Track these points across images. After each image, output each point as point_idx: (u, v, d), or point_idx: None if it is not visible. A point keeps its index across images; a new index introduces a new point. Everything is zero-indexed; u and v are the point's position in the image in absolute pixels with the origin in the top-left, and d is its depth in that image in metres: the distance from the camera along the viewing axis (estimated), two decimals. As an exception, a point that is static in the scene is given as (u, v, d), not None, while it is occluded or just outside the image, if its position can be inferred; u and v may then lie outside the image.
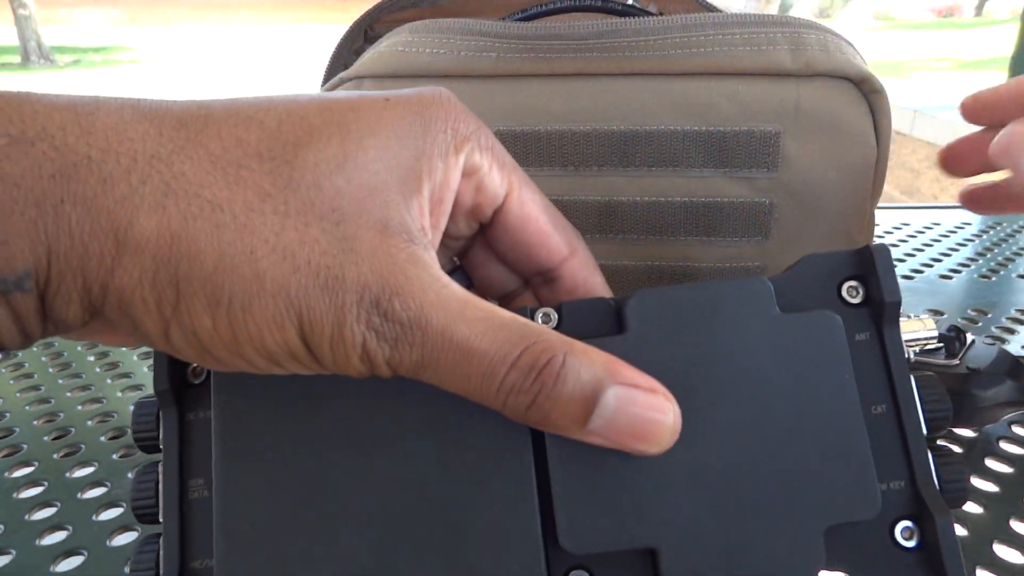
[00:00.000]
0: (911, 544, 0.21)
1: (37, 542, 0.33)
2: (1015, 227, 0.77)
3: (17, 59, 8.61)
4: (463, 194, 0.23)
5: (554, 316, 0.22)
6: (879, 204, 0.37)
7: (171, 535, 0.21)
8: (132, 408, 0.23)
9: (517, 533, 0.21)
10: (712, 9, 0.40)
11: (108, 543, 0.33)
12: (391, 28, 0.37)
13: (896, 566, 0.21)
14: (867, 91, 0.33)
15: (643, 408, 0.19)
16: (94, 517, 0.34)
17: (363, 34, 0.43)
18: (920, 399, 0.22)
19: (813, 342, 0.22)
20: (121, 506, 0.35)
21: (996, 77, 4.48)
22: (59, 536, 0.33)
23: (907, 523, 0.22)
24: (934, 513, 0.21)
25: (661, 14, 0.37)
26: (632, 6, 0.38)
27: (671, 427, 0.20)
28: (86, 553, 0.32)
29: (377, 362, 0.19)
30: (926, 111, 3.42)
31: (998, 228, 0.77)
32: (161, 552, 0.21)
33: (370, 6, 0.43)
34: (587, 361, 0.19)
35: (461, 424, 0.22)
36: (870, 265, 0.23)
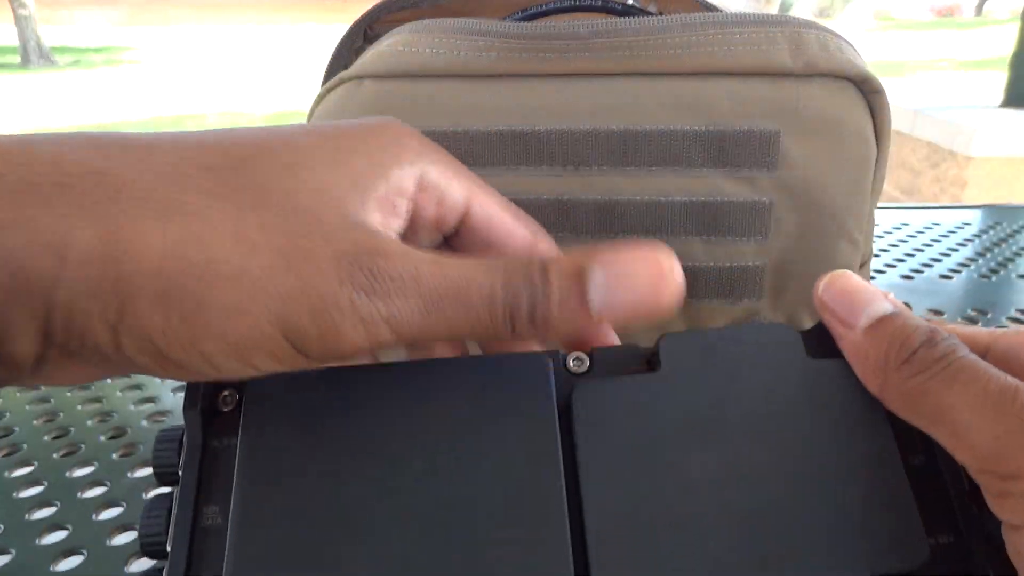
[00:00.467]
0: None
1: (37, 541, 0.33)
2: (1015, 227, 0.77)
3: (17, 59, 8.61)
4: (424, 208, 0.23)
5: (586, 360, 0.23)
6: (879, 204, 0.37)
7: (177, 563, 0.20)
8: (155, 437, 0.22)
9: (548, 563, 0.20)
10: (712, 9, 0.40)
11: (108, 542, 0.33)
12: (391, 28, 0.37)
13: None
14: (867, 91, 0.33)
15: (630, 262, 0.20)
16: (94, 516, 0.34)
17: (363, 34, 0.43)
18: None
19: (845, 388, 0.22)
20: (121, 505, 0.35)
21: (996, 77, 4.48)
22: (59, 535, 0.33)
23: None
24: (990, 570, 0.20)
25: (661, 14, 0.37)
26: (632, 6, 0.38)
27: (668, 269, 0.20)
28: (86, 552, 0.32)
29: (374, 323, 0.18)
30: (926, 111, 3.42)
31: (998, 228, 0.77)
32: None
33: (370, 6, 0.43)
34: (567, 258, 0.20)
35: (487, 445, 0.21)
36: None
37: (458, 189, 0.24)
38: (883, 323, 0.21)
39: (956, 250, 0.71)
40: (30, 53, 8.59)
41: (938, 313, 0.56)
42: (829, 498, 0.20)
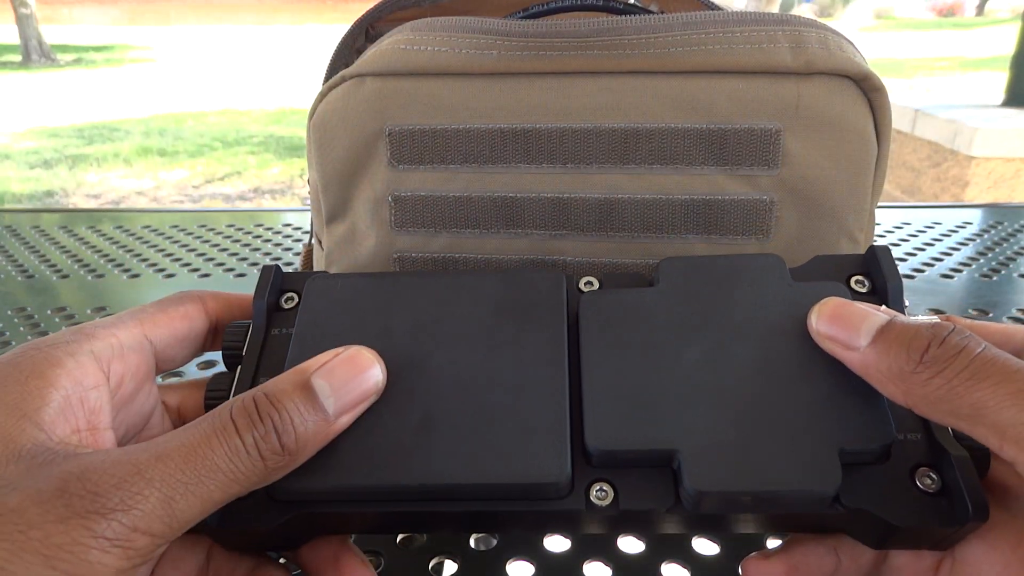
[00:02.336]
0: (932, 490, 0.22)
1: None
2: (1016, 227, 0.77)
3: (18, 58, 8.61)
4: (126, 371, 0.25)
5: (596, 282, 0.27)
6: (880, 203, 0.37)
7: None
8: (226, 328, 0.27)
9: (548, 430, 0.23)
10: (713, 7, 0.40)
11: None
12: (393, 27, 0.37)
13: (919, 510, 0.22)
14: (867, 89, 0.33)
15: (340, 363, 0.23)
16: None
17: (364, 33, 0.44)
18: None
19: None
20: None
21: (997, 76, 4.48)
22: None
23: (925, 469, 0.22)
24: (951, 451, 0.22)
25: (662, 12, 0.37)
26: (633, 5, 0.38)
27: (367, 357, 0.24)
28: None
29: (125, 539, 0.19)
30: (927, 110, 3.42)
31: (999, 227, 0.77)
32: None
33: (371, 5, 0.43)
34: (282, 379, 0.22)
35: (504, 337, 0.25)
36: (875, 263, 0.26)
37: (132, 330, 0.26)
38: (884, 333, 0.21)
39: (957, 249, 0.71)
40: (31, 52, 8.59)
41: (939, 312, 0.56)
42: (805, 385, 0.23)
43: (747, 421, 0.22)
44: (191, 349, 0.28)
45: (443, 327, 0.25)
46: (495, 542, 0.33)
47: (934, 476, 0.22)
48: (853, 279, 0.26)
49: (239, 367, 0.26)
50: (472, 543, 0.32)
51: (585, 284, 0.27)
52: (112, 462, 0.19)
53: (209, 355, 0.45)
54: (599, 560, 0.31)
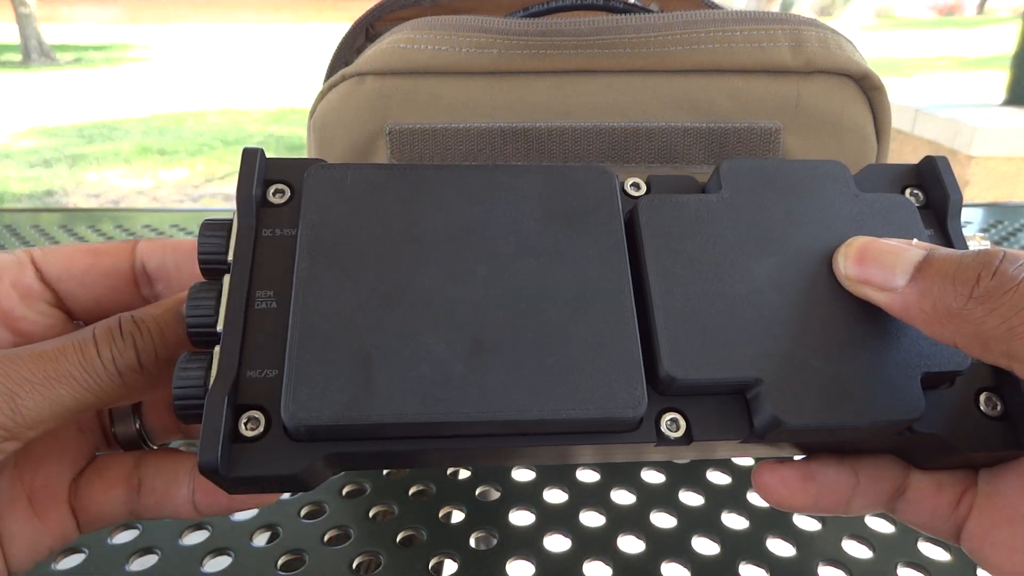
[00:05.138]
0: (994, 414, 0.22)
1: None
2: (1016, 225, 0.77)
3: (18, 57, 8.61)
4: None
5: (643, 185, 0.24)
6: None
7: (231, 342, 0.20)
8: (201, 225, 0.22)
9: (617, 355, 0.20)
10: (713, 7, 0.40)
11: (109, 541, 0.33)
12: (393, 26, 0.37)
13: (984, 435, 0.22)
14: (867, 88, 0.33)
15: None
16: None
17: (364, 32, 0.44)
18: None
19: (891, 217, 0.23)
20: None
21: (997, 76, 4.48)
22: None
23: (988, 393, 0.22)
24: (1018, 375, 0.21)
25: (662, 12, 0.37)
26: (634, 4, 0.38)
27: None
28: (87, 551, 0.32)
29: None
30: (927, 110, 3.42)
31: (1000, 227, 0.77)
32: (215, 360, 0.20)
33: (372, 5, 0.43)
34: (156, 305, 0.22)
35: (554, 244, 0.22)
36: (933, 174, 0.24)
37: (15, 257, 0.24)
38: (924, 268, 0.20)
39: (957, 248, 0.71)
40: (31, 51, 8.59)
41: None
42: (878, 310, 0.21)
43: (826, 347, 0.21)
44: (104, 288, 0.25)
45: (481, 231, 0.22)
46: (495, 542, 0.33)
47: (996, 400, 0.22)
48: (907, 190, 0.25)
49: (226, 276, 0.21)
50: (472, 543, 0.32)
51: (632, 186, 0.24)
52: None
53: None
54: (599, 560, 0.31)
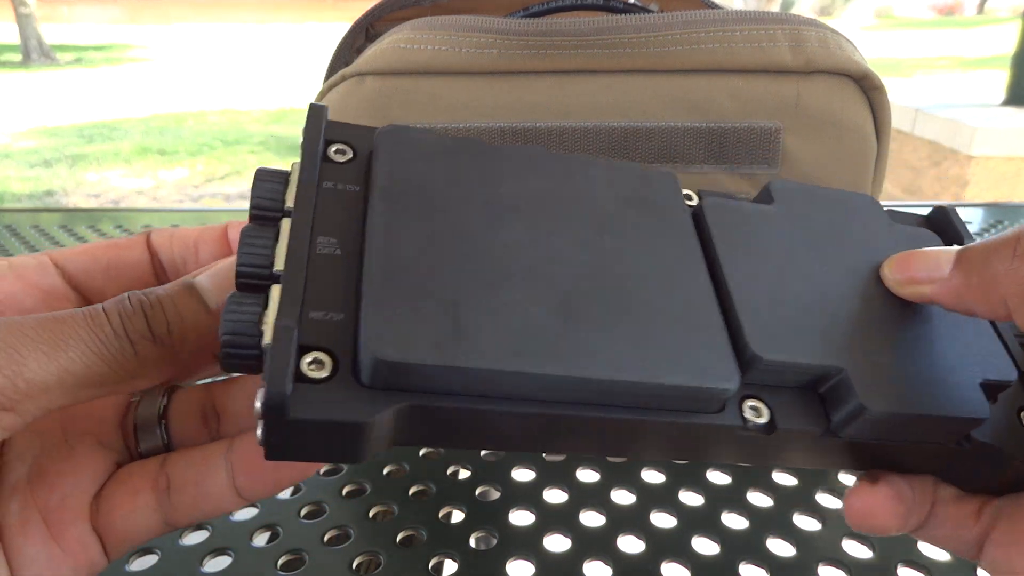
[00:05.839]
0: None
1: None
2: (1016, 226, 0.77)
3: (18, 57, 8.62)
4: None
5: (695, 196, 0.25)
6: (880, 202, 0.37)
7: (293, 280, 0.18)
8: (255, 177, 0.21)
9: (704, 331, 0.20)
10: (713, 6, 0.40)
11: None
12: (392, 26, 0.37)
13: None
14: (867, 88, 0.33)
15: (226, 262, 0.21)
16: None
17: (364, 33, 0.44)
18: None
19: (922, 244, 0.25)
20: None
21: (997, 76, 4.47)
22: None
23: None
24: None
25: (662, 12, 0.37)
26: (634, 4, 0.38)
27: None
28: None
29: None
30: (927, 110, 3.42)
31: (999, 227, 0.77)
32: (272, 299, 0.18)
33: (371, 5, 0.43)
34: (166, 285, 0.21)
35: (630, 224, 0.22)
36: (946, 221, 0.26)
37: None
38: (964, 254, 0.21)
39: (957, 248, 0.71)
40: (31, 51, 8.59)
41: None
42: (934, 322, 0.23)
43: (893, 346, 0.22)
44: (127, 281, 0.25)
45: (559, 204, 0.22)
46: (495, 542, 0.33)
47: None
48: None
49: (284, 220, 0.20)
50: (472, 543, 0.32)
51: (684, 197, 0.25)
52: None
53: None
54: (599, 560, 0.31)
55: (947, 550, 0.24)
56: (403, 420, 0.18)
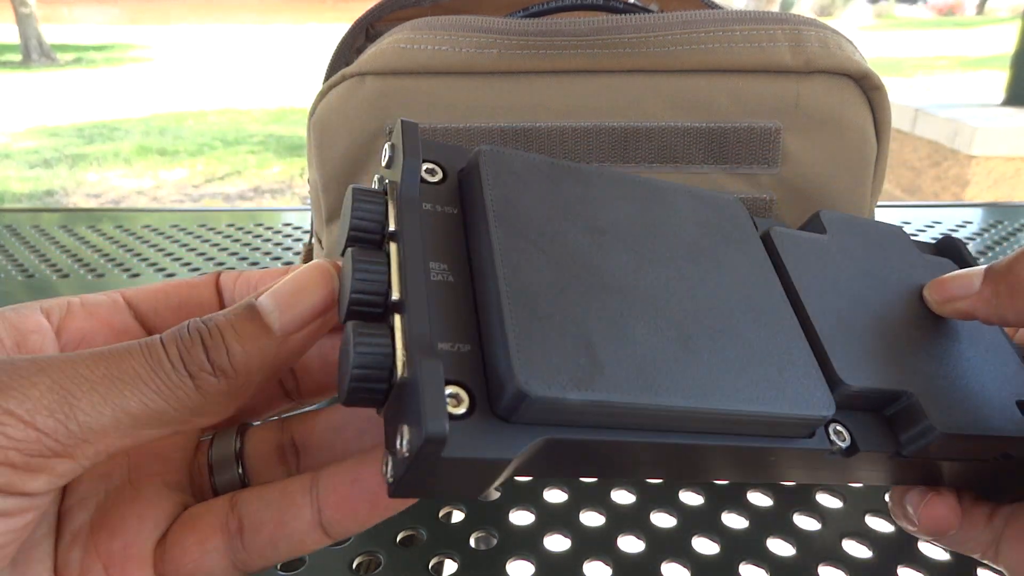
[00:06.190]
0: None
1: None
2: (1016, 225, 0.77)
3: (18, 57, 8.62)
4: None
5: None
6: (880, 202, 0.37)
7: (418, 310, 0.17)
8: (351, 197, 0.20)
9: (795, 361, 0.21)
10: (713, 6, 0.40)
11: None
12: (393, 26, 0.37)
13: None
14: (867, 88, 0.33)
15: (292, 280, 0.20)
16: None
17: (364, 33, 0.44)
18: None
19: (946, 270, 0.27)
20: None
21: (997, 76, 4.47)
22: None
23: None
24: None
25: (662, 11, 0.37)
26: (633, 4, 0.38)
27: (325, 268, 0.20)
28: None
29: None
30: (927, 110, 3.42)
31: (1000, 226, 0.77)
32: (402, 330, 0.17)
33: (371, 5, 0.43)
34: (227, 309, 0.20)
35: (712, 253, 0.23)
36: (955, 249, 0.29)
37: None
38: (991, 269, 0.24)
39: (957, 248, 0.71)
40: (31, 51, 8.59)
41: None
42: (972, 344, 0.26)
43: (947, 369, 0.24)
44: (204, 314, 0.22)
45: (648, 232, 0.22)
46: (495, 542, 0.33)
47: None
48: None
49: (394, 244, 0.19)
50: (472, 543, 0.33)
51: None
52: (9, 358, 0.17)
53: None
54: (599, 560, 0.31)
55: (965, 552, 0.26)
56: (541, 451, 0.18)
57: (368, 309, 0.18)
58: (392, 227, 0.19)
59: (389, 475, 0.17)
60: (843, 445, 0.22)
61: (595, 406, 0.17)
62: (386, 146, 0.21)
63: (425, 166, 0.21)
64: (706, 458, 0.21)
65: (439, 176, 0.21)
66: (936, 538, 0.26)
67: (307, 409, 0.24)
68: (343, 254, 0.20)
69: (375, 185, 0.21)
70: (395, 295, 0.18)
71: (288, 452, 0.23)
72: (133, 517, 0.21)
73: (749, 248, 0.24)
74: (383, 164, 0.21)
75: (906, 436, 0.23)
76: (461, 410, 0.17)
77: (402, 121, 0.21)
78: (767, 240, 0.25)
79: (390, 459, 0.17)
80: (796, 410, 0.20)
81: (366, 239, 0.19)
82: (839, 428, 0.22)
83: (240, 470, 0.23)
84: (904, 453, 0.23)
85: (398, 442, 0.16)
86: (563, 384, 0.17)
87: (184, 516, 0.21)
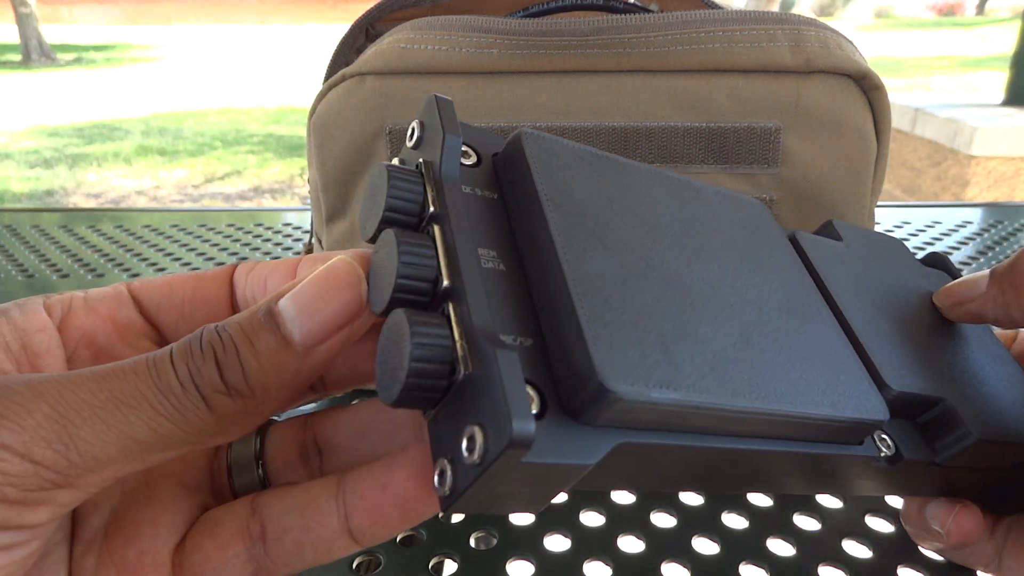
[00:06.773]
0: None
1: None
2: (1016, 225, 0.77)
3: (18, 57, 8.62)
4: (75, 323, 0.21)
5: None
6: (880, 202, 0.37)
7: (476, 298, 0.16)
8: (386, 175, 0.18)
9: (845, 366, 0.21)
10: (713, 6, 0.40)
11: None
12: (393, 26, 0.37)
13: None
14: (867, 87, 0.33)
15: (313, 283, 0.18)
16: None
17: (364, 33, 0.44)
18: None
19: (944, 281, 0.28)
20: None
21: (997, 76, 4.48)
22: None
23: None
24: None
25: (662, 11, 0.37)
26: (634, 4, 0.38)
27: (348, 269, 0.18)
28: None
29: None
30: (927, 110, 3.42)
31: (999, 226, 0.77)
32: (458, 321, 0.15)
33: (371, 5, 0.43)
34: (244, 312, 0.18)
35: (751, 253, 0.22)
36: (944, 264, 0.30)
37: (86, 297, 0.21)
38: (995, 271, 0.24)
39: (957, 248, 0.71)
40: (31, 51, 8.59)
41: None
42: (985, 352, 0.26)
43: (969, 375, 0.24)
44: (202, 317, 0.22)
45: (690, 228, 0.21)
46: (495, 542, 0.33)
47: None
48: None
49: (439, 227, 0.17)
50: (472, 543, 0.32)
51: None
52: (5, 380, 0.16)
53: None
54: (599, 560, 0.31)
55: (970, 566, 0.27)
56: (614, 458, 0.16)
57: (413, 297, 0.16)
58: (432, 208, 0.17)
59: (447, 487, 0.15)
60: (889, 453, 0.22)
61: (676, 407, 0.16)
62: (414, 123, 0.19)
63: (463, 147, 0.20)
64: (764, 465, 0.20)
65: (473, 159, 0.20)
66: (953, 551, 0.26)
67: (329, 405, 0.23)
68: (371, 239, 0.18)
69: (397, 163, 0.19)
70: (445, 282, 0.16)
71: (311, 452, 0.22)
72: (148, 522, 0.20)
73: (781, 250, 0.23)
74: (409, 144, 0.19)
75: (942, 443, 0.22)
76: (535, 410, 0.15)
77: (436, 96, 0.19)
78: (794, 243, 0.25)
79: (449, 468, 0.15)
80: (857, 414, 0.19)
81: (403, 221, 0.17)
82: (883, 435, 0.22)
83: (260, 472, 0.22)
84: (938, 461, 0.22)
85: (464, 447, 0.14)
86: (645, 382, 0.15)
87: (203, 519, 0.20)
